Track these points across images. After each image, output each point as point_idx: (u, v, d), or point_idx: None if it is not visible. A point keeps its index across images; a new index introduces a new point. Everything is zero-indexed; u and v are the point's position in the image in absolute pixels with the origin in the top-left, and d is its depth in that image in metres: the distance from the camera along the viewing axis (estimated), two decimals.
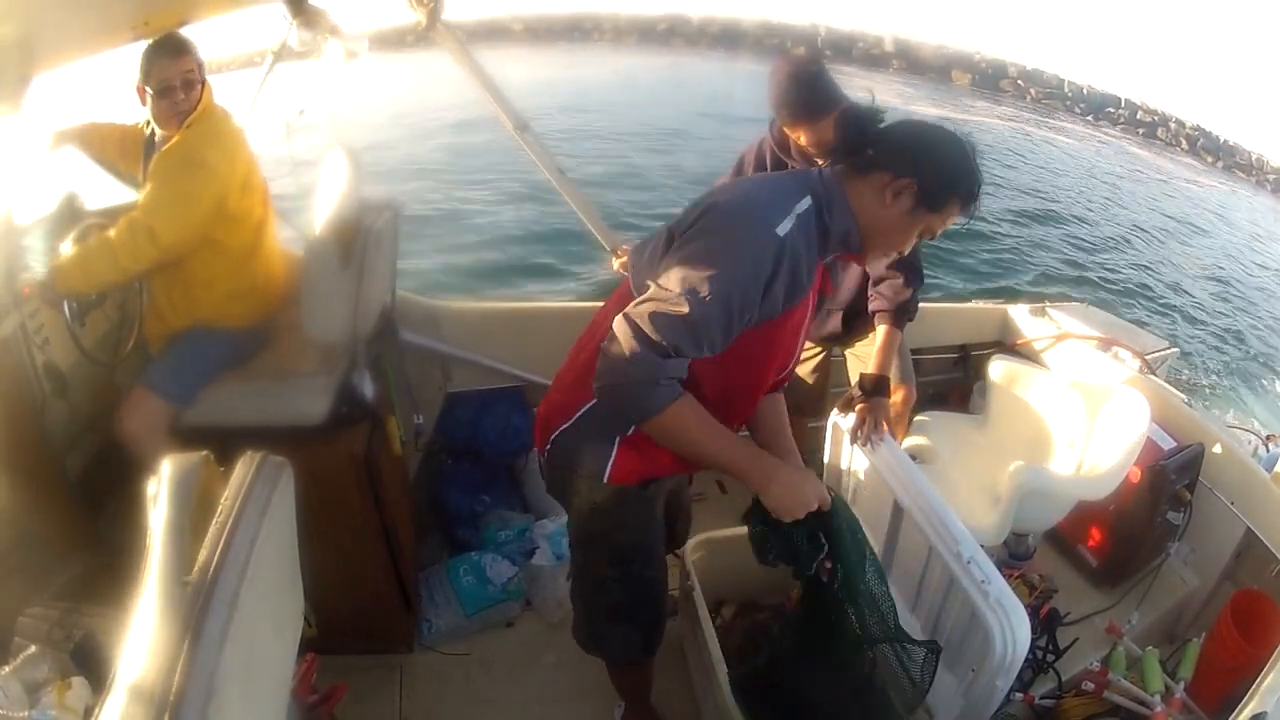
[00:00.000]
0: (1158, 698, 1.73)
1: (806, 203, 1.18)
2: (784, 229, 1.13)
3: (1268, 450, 2.78)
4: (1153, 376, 2.50)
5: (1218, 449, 2.17)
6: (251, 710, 0.88)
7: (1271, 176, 25.10)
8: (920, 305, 2.02)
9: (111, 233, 1.72)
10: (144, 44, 1.79)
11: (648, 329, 1.10)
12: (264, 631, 0.95)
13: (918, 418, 2.37)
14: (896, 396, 1.99)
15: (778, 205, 1.16)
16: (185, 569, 0.85)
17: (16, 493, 1.70)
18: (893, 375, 1.96)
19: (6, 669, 1.16)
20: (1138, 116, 27.45)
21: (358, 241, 1.88)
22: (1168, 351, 2.89)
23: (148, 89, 1.77)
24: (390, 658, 2.02)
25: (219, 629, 0.79)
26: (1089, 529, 2.23)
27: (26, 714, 1.11)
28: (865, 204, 1.22)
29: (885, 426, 1.81)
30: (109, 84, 1.85)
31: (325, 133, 2.59)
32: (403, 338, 2.32)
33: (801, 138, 1.91)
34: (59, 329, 1.87)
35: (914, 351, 2.89)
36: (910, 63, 29.00)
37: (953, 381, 3.10)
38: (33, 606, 1.35)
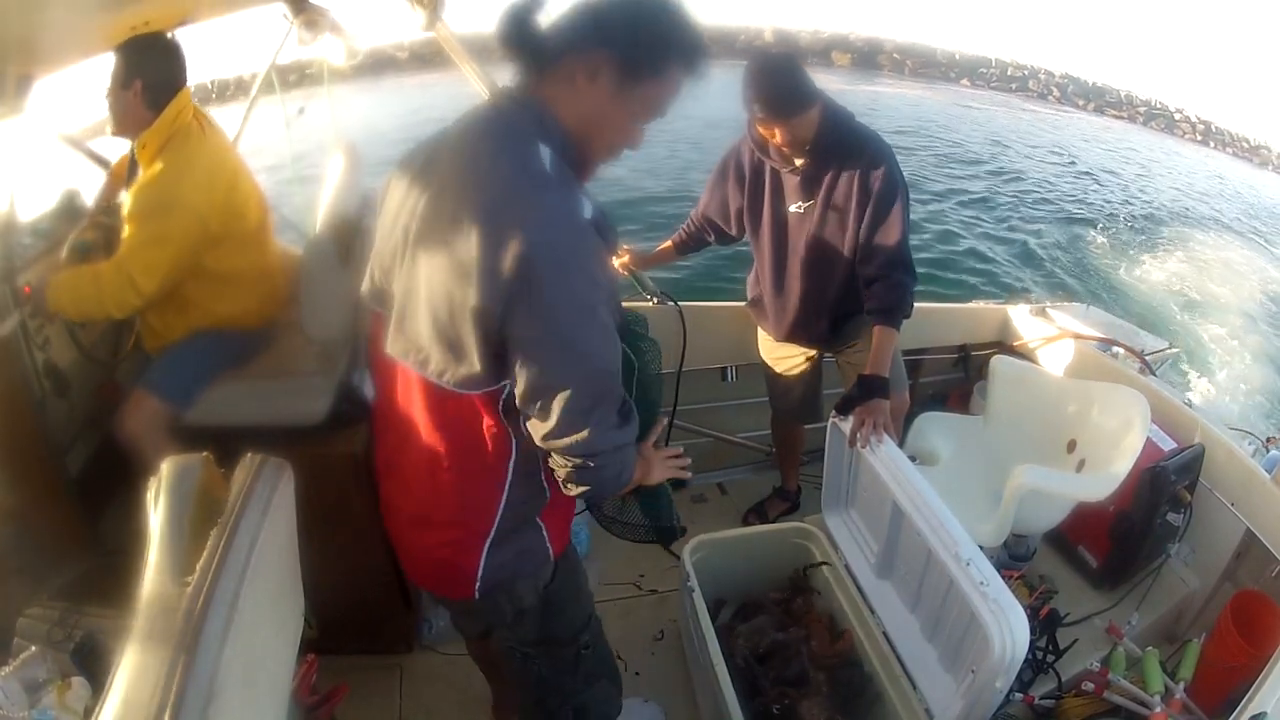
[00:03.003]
0: (1158, 698, 1.73)
1: (547, 154, 0.98)
2: (586, 208, 0.98)
3: (1268, 451, 2.78)
4: (1153, 377, 2.50)
5: (1218, 450, 2.17)
6: (252, 711, 0.88)
7: (1142, 109, 27.01)
8: (920, 305, 2.01)
9: (102, 272, 1.69)
10: None
11: (609, 410, 0.99)
12: (264, 632, 0.95)
13: (918, 419, 2.36)
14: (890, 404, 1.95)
15: (557, 186, 0.97)
16: (185, 569, 0.85)
17: (16, 492, 1.70)
18: None
19: (6, 669, 1.16)
20: (1008, 73, 29.09)
21: (358, 240, 1.88)
22: (1168, 351, 2.89)
23: None
24: (390, 658, 2.02)
25: (219, 629, 0.79)
26: (1089, 529, 2.23)
27: (26, 714, 1.11)
28: (567, 108, 0.99)
29: (884, 428, 1.80)
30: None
31: (325, 131, 2.59)
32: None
33: (777, 135, 1.87)
34: (59, 329, 1.88)
35: (914, 352, 2.91)
36: (791, 50, 29.25)
37: (953, 381, 3.10)
38: (33, 606, 1.35)
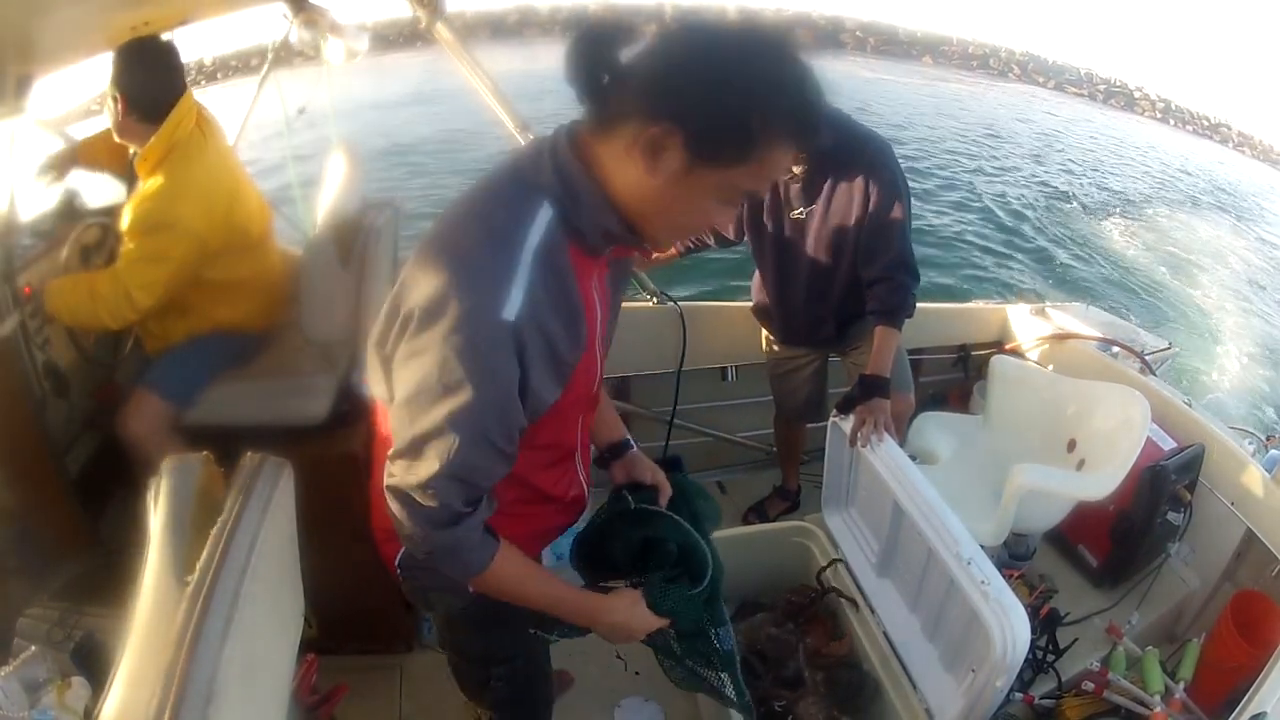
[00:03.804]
0: (1158, 698, 1.73)
1: (545, 218, 0.84)
2: (512, 308, 0.80)
3: (1268, 451, 2.78)
4: (1153, 377, 2.50)
5: (1218, 449, 2.17)
6: (252, 710, 0.88)
7: (1102, 88, 27.80)
8: (921, 305, 2.01)
9: (99, 283, 1.68)
10: None
11: (420, 500, 0.88)
12: (264, 631, 0.95)
13: (918, 419, 2.36)
14: (894, 405, 1.93)
15: (496, 270, 0.81)
16: (185, 569, 0.85)
17: (16, 492, 1.70)
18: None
19: (6, 669, 1.16)
20: (969, 51, 29.84)
21: (357, 241, 1.88)
22: (1168, 351, 2.89)
23: None
24: (390, 658, 2.02)
25: (219, 629, 0.79)
26: (1089, 529, 2.23)
27: (26, 714, 1.11)
28: (618, 177, 0.83)
29: (884, 428, 1.80)
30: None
31: (325, 131, 2.59)
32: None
33: None
34: (59, 329, 1.88)
35: (914, 352, 2.91)
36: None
37: (953, 381, 3.10)
38: (33, 606, 1.35)
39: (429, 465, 0.86)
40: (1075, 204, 11.39)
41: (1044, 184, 12.15)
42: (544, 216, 0.84)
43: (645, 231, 0.89)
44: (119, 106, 1.67)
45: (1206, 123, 25.93)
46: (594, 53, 0.81)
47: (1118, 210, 11.61)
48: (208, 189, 1.72)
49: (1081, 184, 12.78)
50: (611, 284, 1.00)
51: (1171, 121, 25.86)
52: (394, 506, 0.91)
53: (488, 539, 0.96)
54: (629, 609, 1.08)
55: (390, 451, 0.90)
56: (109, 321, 1.70)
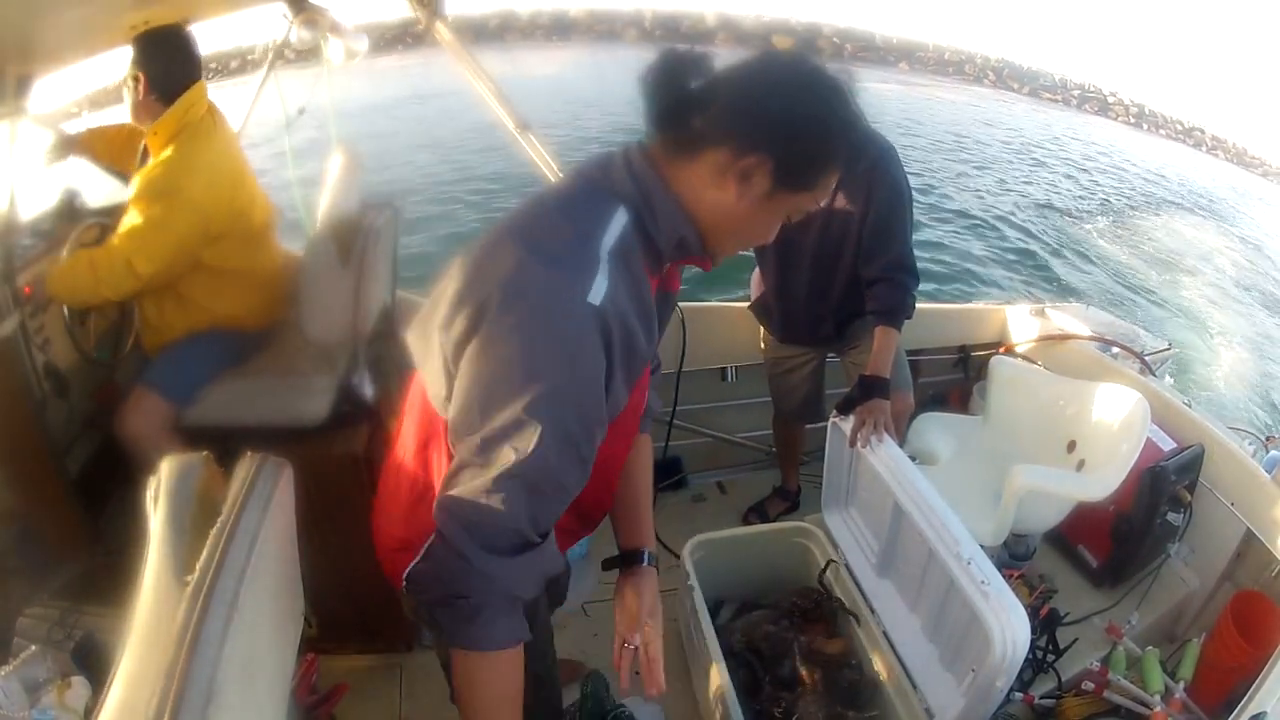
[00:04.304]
0: (1158, 697, 1.73)
1: (620, 221, 0.87)
2: (598, 293, 0.81)
3: (1268, 451, 2.78)
4: (1153, 377, 2.50)
5: (1218, 450, 2.17)
6: (251, 710, 0.88)
7: (1076, 93, 28.22)
8: (920, 306, 2.01)
9: (98, 255, 1.70)
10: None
11: (486, 503, 0.82)
12: (264, 631, 0.95)
13: (917, 419, 2.37)
14: (894, 405, 1.93)
15: (578, 258, 0.83)
16: (185, 569, 0.85)
17: (16, 492, 1.70)
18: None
19: (7, 668, 1.16)
20: (945, 57, 30.43)
21: (357, 241, 1.88)
22: (1168, 352, 2.89)
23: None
24: (390, 657, 2.02)
25: (219, 629, 0.78)
26: (1089, 529, 2.23)
27: (27, 713, 1.11)
28: (701, 197, 0.88)
29: (884, 429, 1.80)
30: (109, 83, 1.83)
31: (325, 131, 2.59)
32: (403, 337, 2.32)
33: None
34: (59, 329, 1.88)
35: (914, 352, 2.90)
36: (734, 34, 30.38)
37: (953, 382, 3.10)
38: (33, 606, 1.35)
39: (501, 463, 0.81)
40: (1062, 208, 11.48)
41: (1028, 189, 12.27)
42: (619, 220, 0.87)
43: (713, 246, 0.94)
44: (140, 86, 1.72)
45: (1180, 126, 26.18)
46: (674, 81, 0.86)
47: (1105, 214, 11.75)
48: (214, 169, 1.77)
49: (1066, 188, 12.91)
50: (657, 305, 0.99)
51: (1145, 126, 26.16)
52: (446, 525, 0.85)
53: (524, 622, 0.90)
54: None
55: (453, 465, 0.86)
56: (108, 292, 1.71)
